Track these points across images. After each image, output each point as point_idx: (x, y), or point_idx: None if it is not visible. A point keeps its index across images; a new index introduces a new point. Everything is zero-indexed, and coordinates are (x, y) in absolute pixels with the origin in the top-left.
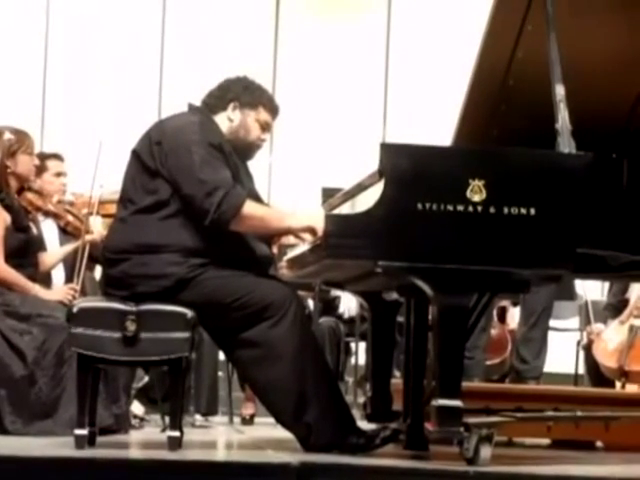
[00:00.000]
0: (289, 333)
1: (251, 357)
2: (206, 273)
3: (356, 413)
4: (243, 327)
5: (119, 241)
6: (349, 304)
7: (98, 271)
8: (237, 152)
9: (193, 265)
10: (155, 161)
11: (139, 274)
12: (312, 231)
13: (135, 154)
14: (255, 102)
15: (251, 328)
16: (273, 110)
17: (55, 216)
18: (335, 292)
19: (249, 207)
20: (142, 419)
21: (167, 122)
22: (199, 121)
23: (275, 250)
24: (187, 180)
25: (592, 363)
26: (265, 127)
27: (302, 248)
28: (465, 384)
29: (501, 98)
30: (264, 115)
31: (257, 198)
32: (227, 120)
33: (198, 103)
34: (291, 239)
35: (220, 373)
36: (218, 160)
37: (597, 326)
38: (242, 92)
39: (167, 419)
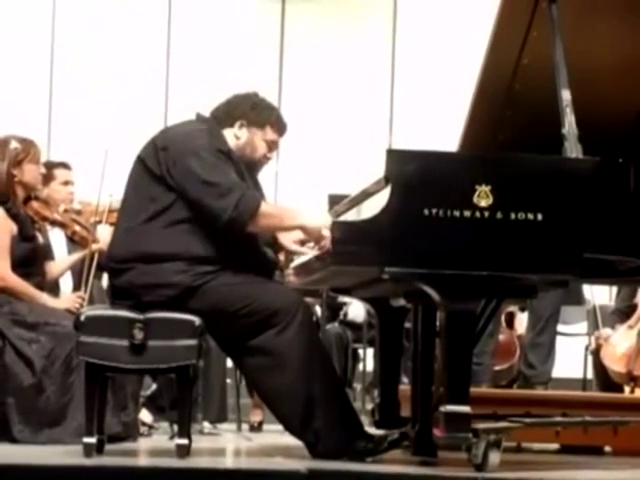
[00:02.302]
0: (296, 340)
1: (259, 364)
2: (212, 281)
3: (364, 420)
4: (250, 334)
5: (123, 251)
6: (356, 310)
7: (106, 279)
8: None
9: (198, 273)
10: (161, 167)
11: (145, 284)
12: (320, 234)
13: (140, 160)
14: (263, 121)
15: (258, 335)
16: (281, 129)
17: (62, 225)
18: (343, 298)
19: (265, 207)
20: (150, 427)
21: (173, 129)
22: (207, 128)
23: (282, 257)
24: (196, 184)
25: (600, 368)
26: (272, 146)
27: (308, 255)
28: (473, 390)
29: (507, 103)
30: (271, 135)
31: None
32: (234, 137)
33: (204, 112)
34: (294, 246)
35: (228, 380)
36: (227, 165)
37: (605, 331)
38: (250, 110)
39: (175, 427)
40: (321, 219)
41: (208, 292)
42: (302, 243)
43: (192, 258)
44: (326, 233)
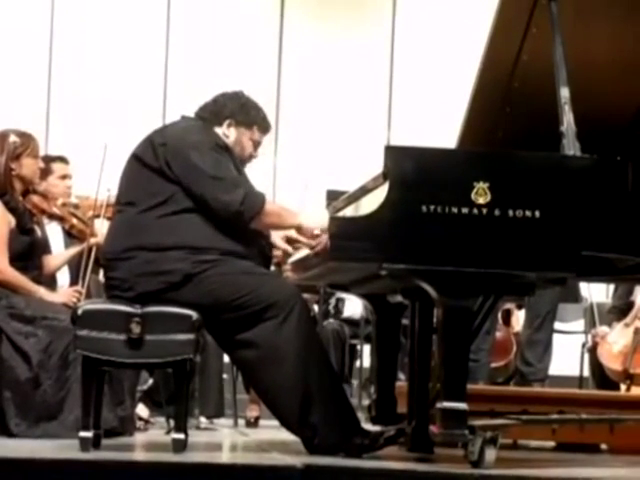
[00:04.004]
0: (294, 334)
1: (255, 358)
2: (211, 269)
3: (361, 416)
4: (247, 326)
5: (123, 242)
6: (354, 307)
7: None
8: None
9: (198, 261)
10: (159, 160)
11: (145, 272)
12: (312, 234)
13: (135, 157)
14: (250, 122)
15: (254, 327)
16: (266, 130)
17: (60, 219)
18: (339, 294)
19: (268, 205)
20: (147, 421)
21: (169, 127)
22: (202, 125)
23: (279, 253)
24: (200, 178)
25: (597, 366)
26: (257, 145)
27: (306, 251)
28: (470, 387)
29: (506, 100)
30: (257, 135)
31: None
32: (223, 136)
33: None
34: (283, 244)
35: (225, 376)
36: (227, 160)
37: (602, 329)
38: (238, 110)
39: (172, 422)
40: (319, 220)
41: (206, 280)
42: (289, 241)
43: (192, 247)
44: (318, 232)
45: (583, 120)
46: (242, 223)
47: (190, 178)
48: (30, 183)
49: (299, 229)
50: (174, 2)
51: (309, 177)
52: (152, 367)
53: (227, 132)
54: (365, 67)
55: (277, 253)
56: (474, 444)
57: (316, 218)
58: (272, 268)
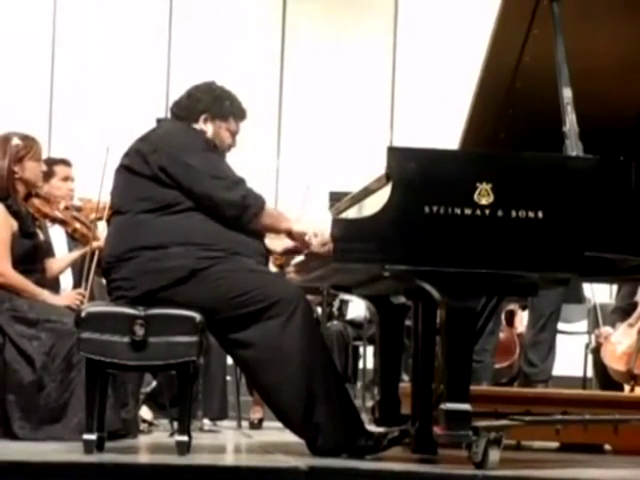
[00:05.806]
0: (297, 334)
1: (258, 358)
2: (215, 267)
3: (365, 417)
4: (249, 325)
5: (123, 244)
6: (357, 309)
7: None
8: None
9: (202, 257)
10: (152, 167)
11: (149, 269)
12: (304, 240)
13: (125, 168)
14: (226, 113)
15: (258, 326)
16: (242, 117)
17: (62, 223)
18: (342, 296)
19: (267, 206)
20: (151, 424)
21: (152, 133)
22: (184, 125)
23: (282, 255)
24: (202, 178)
25: (600, 366)
26: (234, 135)
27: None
28: (473, 388)
29: (508, 102)
30: (234, 125)
31: None
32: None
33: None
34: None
35: (228, 378)
36: (219, 158)
37: (605, 329)
38: (212, 104)
39: (175, 424)
40: (312, 227)
41: (211, 277)
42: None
43: (195, 244)
44: (312, 240)
45: (586, 120)
46: (245, 220)
47: (191, 180)
48: (33, 186)
49: (290, 234)
50: (176, 6)
51: (311, 178)
52: (155, 369)
53: (204, 127)
54: (367, 68)
55: (278, 255)
56: (478, 445)
57: (307, 224)
58: (273, 269)
